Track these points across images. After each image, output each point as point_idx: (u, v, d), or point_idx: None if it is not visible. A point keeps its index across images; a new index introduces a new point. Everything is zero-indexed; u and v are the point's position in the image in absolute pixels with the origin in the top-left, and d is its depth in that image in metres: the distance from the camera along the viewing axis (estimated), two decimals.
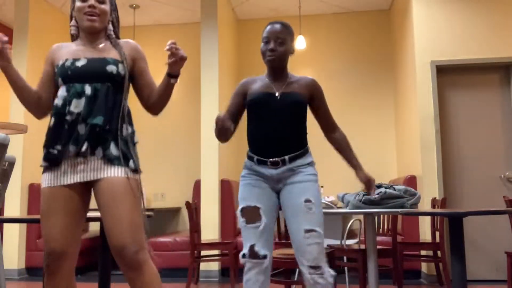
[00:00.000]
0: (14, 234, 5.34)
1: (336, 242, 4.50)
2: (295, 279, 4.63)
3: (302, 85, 2.36)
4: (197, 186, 5.91)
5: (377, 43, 6.34)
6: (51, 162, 1.90)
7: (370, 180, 2.38)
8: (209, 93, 5.35)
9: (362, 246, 3.69)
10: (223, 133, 2.19)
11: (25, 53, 5.57)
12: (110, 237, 1.83)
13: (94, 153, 1.88)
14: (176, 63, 1.88)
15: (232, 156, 6.03)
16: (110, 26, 2.03)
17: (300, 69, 6.44)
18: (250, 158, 2.33)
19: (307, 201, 2.20)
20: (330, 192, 6.04)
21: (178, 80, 6.64)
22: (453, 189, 4.90)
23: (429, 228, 4.73)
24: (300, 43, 5.78)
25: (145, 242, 1.88)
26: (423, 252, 4.81)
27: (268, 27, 2.32)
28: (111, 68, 1.92)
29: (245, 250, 2.25)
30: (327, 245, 3.88)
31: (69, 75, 1.91)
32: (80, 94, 1.88)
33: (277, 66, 2.33)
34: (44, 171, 1.94)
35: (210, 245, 4.53)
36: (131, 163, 1.92)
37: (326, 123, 2.44)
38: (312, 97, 2.38)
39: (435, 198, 4.57)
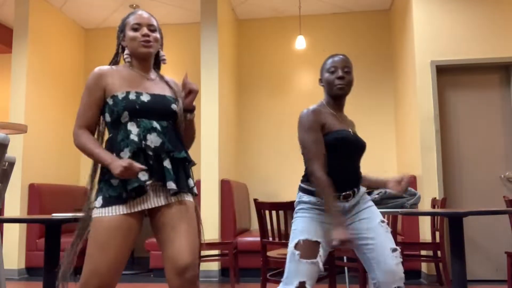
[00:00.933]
0: (14, 234, 5.34)
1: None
2: None
3: (351, 123, 2.44)
4: (197, 186, 5.91)
5: (377, 43, 6.34)
6: (136, 193, 1.88)
7: (402, 179, 2.34)
8: (209, 93, 5.35)
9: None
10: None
11: (25, 53, 5.57)
12: (174, 255, 1.83)
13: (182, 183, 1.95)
14: (187, 97, 1.98)
15: (232, 156, 6.03)
16: (162, 53, 2.13)
17: (300, 69, 6.44)
18: (317, 194, 2.20)
19: (383, 221, 2.23)
20: None
21: (179, 82, 6.63)
22: (453, 189, 4.90)
23: (429, 228, 4.73)
24: (300, 43, 5.78)
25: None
26: (423, 252, 4.81)
27: (331, 59, 2.34)
28: (174, 107, 2.00)
29: (292, 286, 2.10)
30: None
31: (137, 110, 1.92)
32: (150, 130, 1.92)
33: (344, 95, 2.33)
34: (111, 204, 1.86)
35: (210, 245, 4.53)
36: (195, 189, 2.03)
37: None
38: None
39: (435, 198, 4.57)
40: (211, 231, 5.13)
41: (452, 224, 2.45)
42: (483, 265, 4.78)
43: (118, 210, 1.84)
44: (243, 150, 6.39)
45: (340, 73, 2.30)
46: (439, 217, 4.28)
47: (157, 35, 2.06)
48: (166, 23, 6.74)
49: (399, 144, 5.98)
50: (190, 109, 2.01)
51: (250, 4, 6.17)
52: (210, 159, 5.23)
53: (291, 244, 2.17)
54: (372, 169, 6.09)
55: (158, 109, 1.95)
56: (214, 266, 5.11)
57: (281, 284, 2.17)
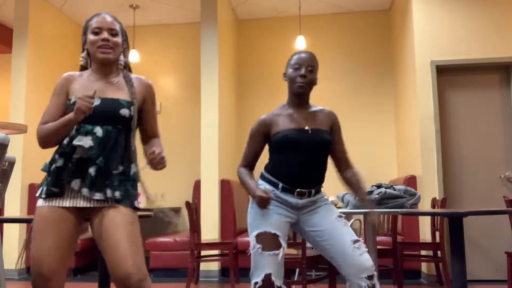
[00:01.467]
0: (14, 234, 5.34)
1: None
2: (295, 279, 4.64)
3: (325, 119, 2.39)
4: (197, 186, 5.91)
5: (377, 43, 6.34)
6: (53, 195, 1.93)
7: (370, 219, 2.33)
8: (209, 93, 5.35)
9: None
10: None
11: (25, 53, 5.57)
12: (112, 267, 1.82)
13: (101, 191, 1.91)
14: (156, 164, 1.93)
15: (232, 156, 6.03)
16: (122, 57, 2.07)
17: None
18: (272, 183, 2.33)
19: (340, 216, 2.27)
20: (330, 192, 6.04)
21: (178, 82, 6.63)
22: (453, 189, 4.90)
23: (429, 228, 4.73)
24: (300, 43, 5.78)
25: (146, 269, 1.87)
26: (423, 252, 4.81)
27: (298, 55, 2.35)
28: (124, 112, 1.95)
29: (258, 279, 2.17)
30: None
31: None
32: (87, 133, 1.91)
33: (305, 93, 2.34)
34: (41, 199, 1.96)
35: (210, 245, 4.53)
36: (135, 203, 1.97)
37: (340, 160, 2.44)
38: (331, 131, 2.41)
39: (435, 198, 4.57)
40: (211, 231, 5.13)
41: (452, 224, 2.45)
42: (483, 265, 4.78)
43: (42, 202, 1.94)
44: (243, 150, 6.39)
45: (303, 71, 2.30)
46: (439, 217, 4.28)
47: (118, 39, 2.01)
48: (166, 23, 6.74)
49: (399, 144, 5.98)
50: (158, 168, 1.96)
51: (250, 4, 6.17)
52: (210, 159, 5.23)
53: (251, 237, 2.27)
54: (372, 169, 6.09)
55: (105, 114, 1.93)
56: (214, 266, 5.12)
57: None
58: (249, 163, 2.44)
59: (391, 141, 6.17)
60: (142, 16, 6.49)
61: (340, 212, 2.93)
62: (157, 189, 6.44)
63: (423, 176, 4.81)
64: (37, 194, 1.96)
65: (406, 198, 3.15)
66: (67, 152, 1.92)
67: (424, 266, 4.87)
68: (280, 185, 2.30)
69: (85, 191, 1.89)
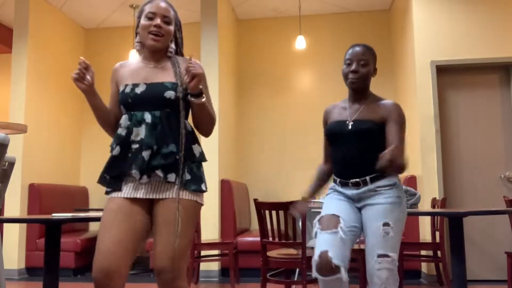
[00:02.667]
0: (14, 234, 5.34)
1: None
2: (295, 279, 4.63)
3: (378, 110, 2.31)
4: None
5: (377, 43, 6.34)
6: (115, 183, 1.92)
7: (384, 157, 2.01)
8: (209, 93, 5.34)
9: (362, 246, 3.69)
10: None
11: (25, 53, 5.57)
12: (154, 257, 1.84)
13: (167, 177, 1.87)
14: (191, 81, 1.83)
15: (232, 156, 6.03)
16: (173, 45, 2.01)
17: (300, 69, 6.44)
18: (334, 181, 2.39)
19: (386, 224, 2.16)
20: None
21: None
22: (453, 189, 4.90)
23: (429, 228, 4.73)
24: (300, 43, 5.78)
25: (185, 270, 1.85)
26: (423, 252, 4.81)
27: (350, 50, 2.33)
28: (169, 94, 1.89)
29: (315, 257, 2.13)
30: None
31: (130, 104, 1.92)
32: (140, 122, 1.89)
33: (359, 88, 2.33)
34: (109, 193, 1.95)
35: (210, 245, 4.53)
36: (203, 186, 1.93)
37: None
38: (385, 121, 2.29)
39: (435, 198, 4.57)
40: (211, 231, 5.13)
41: (452, 224, 2.45)
42: (483, 265, 4.78)
43: (111, 194, 1.93)
44: (243, 150, 6.39)
45: (354, 66, 2.29)
46: (439, 217, 4.28)
47: (170, 28, 1.96)
48: None
49: None
50: (195, 94, 1.87)
51: (250, 4, 6.17)
52: (210, 159, 5.23)
53: (314, 221, 2.31)
54: None
55: (151, 99, 1.90)
56: (214, 266, 5.11)
57: None
58: (325, 156, 2.51)
59: None
60: None
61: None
62: None
63: (423, 176, 4.81)
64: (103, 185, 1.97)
65: (406, 198, 3.15)
66: (127, 142, 1.90)
67: (424, 266, 4.87)
68: (338, 180, 2.35)
69: (135, 173, 1.85)
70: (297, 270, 4.61)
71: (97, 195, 6.56)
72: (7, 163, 2.30)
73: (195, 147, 1.95)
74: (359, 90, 2.35)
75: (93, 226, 6.49)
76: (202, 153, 1.98)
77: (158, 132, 1.88)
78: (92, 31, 6.91)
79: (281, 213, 3.39)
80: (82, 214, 2.54)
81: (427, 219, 4.80)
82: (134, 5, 6.14)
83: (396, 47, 6.02)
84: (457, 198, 4.89)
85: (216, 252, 5.02)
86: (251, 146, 6.41)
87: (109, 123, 2.02)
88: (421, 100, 4.91)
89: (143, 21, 1.95)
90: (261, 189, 6.32)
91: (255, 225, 6.24)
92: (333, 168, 2.38)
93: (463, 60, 4.92)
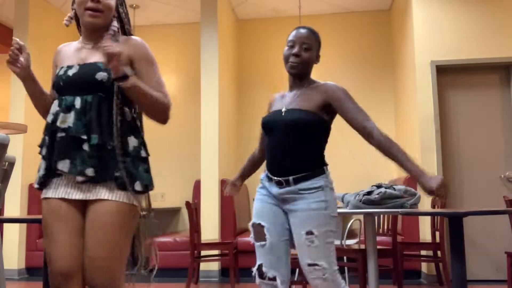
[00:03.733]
0: (14, 234, 5.34)
1: (336, 242, 4.50)
2: (295, 279, 4.63)
3: (315, 95, 2.11)
4: (197, 186, 5.91)
5: (377, 43, 6.34)
6: (46, 178, 1.72)
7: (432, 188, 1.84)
8: (209, 93, 5.35)
9: (362, 246, 3.69)
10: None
11: None
12: (85, 269, 1.62)
13: (94, 174, 1.63)
14: (109, 64, 1.57)
15: (232, 156, 6.03)
16: (115, 23, 1.76)
17: None
18: (265, 172, 2.21)
19: (309, 233, 2.00)
20: None
21: (178, 82, 6.63)
22: (453, 189, 4.90)
23: (429, 228, 4.73)
24: None
25: (123, 280, 1.68)
26: (423, 252, 4.81)
27: (294, 32, 2.16)
28: (101, 75, 1.64)
29: (254, 268, 2.13)
30: None
31: (61, 87, 1.70)
32: (69, 108, 1.65)
33: (299, 73, 2.15)
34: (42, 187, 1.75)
35: (210, 245, 4.53)
36: (137, 184, 1.66)
37: (358, 129, 2.07)
38: (330, 104, 2.10)
39: (435, 198, 4.57)
40: (211, 231, 5.13)
41: (452, 224, 2.45)
42: (483, 265, 4.78)
43: (45, 193, 1.73)
44: (243, 150, 6.39)
45: (296, 49, 2.12)
46: (439, 217, 4.28)
47: (110, 2, 1.71)
48: (166, 23, 6.74)
49: (399, 143, 5.97)
50: (119, 76, 1.60)
51: (250, 4, 6.17)
52: (210, 159, 5.23)
53: (249, 225, 2.28)
54: (372, 169, 6.09)
55: (82, 81, 1.66)
56: (214, 266, 5.11)
57: None
58: (259, 145, 2.42)
59: None
60: (142, 16, 6.49)
61: (339, 213, 2.88)
62: (157, 189, 6.44)
63: None
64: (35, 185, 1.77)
65: (406, 198, 3.15)
66: (52, 130, 1.69)
67: (424, 266, 4.87)
68: (266, 173, 2.17)
69: (62, 165, 1.64)
70: (297, 270, 4.61)
71: None
72: (7, 163, 2.30)
73: (130, 139, 1.68)
74: (299, 76, 2.16)
75: None
76: (139, 147, 1.70)
77: (87, 119, 1.63)
78: None
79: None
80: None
81: (427, 219, 4.80)
82: (134, 5, 6.14)
83: (396, 47, 6.02)
84: (457, 198, 4.89)
85: (216, 252, 5.02)
86: (251, 146, 6.41)
87: (44, 109, 1.83)
88: (421, 100, 4.91)
89: None
90: None
91: None
92: (266, 161, 2.19)
93: (463, 60, 4.92)
